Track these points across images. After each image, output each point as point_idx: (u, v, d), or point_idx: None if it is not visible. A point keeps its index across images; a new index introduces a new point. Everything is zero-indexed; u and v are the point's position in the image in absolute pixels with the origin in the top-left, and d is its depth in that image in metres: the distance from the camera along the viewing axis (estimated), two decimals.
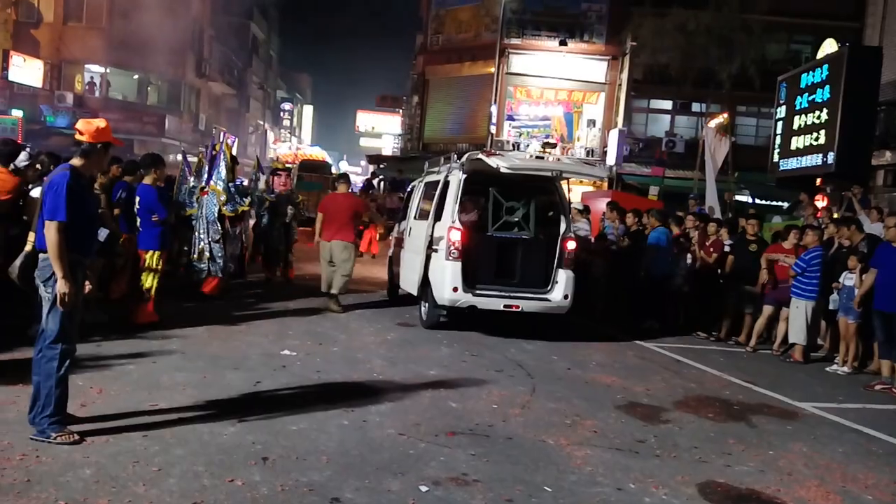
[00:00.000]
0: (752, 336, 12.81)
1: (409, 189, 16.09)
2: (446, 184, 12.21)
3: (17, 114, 35.49)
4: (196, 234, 12.51)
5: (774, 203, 26.94)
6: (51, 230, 5.55)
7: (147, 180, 10.51)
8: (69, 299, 5.55)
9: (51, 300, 5.64)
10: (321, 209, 13.55)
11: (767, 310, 12.66)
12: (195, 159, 13.38)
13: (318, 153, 47.76)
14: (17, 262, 5.95)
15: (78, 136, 5.99)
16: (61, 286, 5.53)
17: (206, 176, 12.75)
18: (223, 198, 12.64)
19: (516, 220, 12.05)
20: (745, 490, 5.91)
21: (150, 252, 10.24)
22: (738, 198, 24.82)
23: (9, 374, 7.15)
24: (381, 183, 40.42)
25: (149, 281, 10.20)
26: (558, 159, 15.40)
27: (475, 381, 8.71)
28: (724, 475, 6.17)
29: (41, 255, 5.75)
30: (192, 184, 12.75)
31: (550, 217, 12.37)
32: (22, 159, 9.56)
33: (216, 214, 12.55)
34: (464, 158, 12.12)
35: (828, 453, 7.09)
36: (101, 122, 6.06)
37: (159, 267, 10.31)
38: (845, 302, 11.36)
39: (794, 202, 20.61)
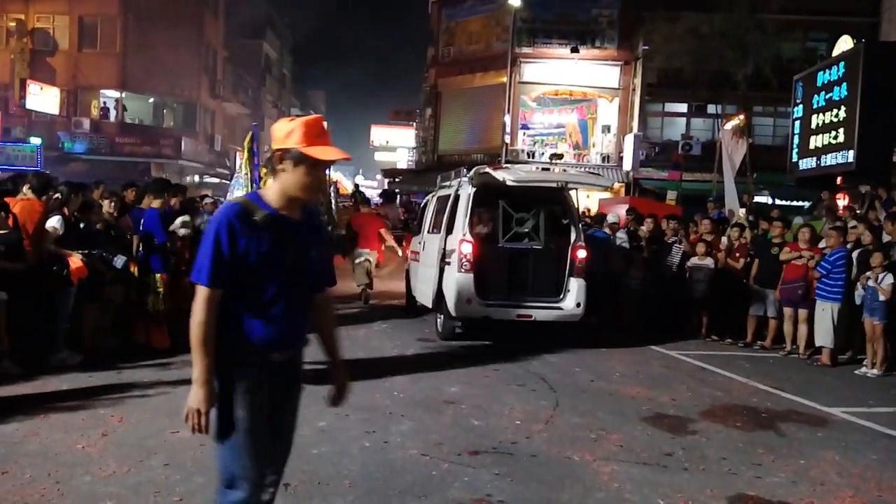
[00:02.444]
0: (777, 339, 12.70)
1: (423, 203, 16.25)
2: (457, 198, 12.37)
3: (36, 141, 35.79)
4: None
5: (795, 203, 26.73)
6: (195, 299, 3.53)
7: (155, 204, 10.58)
8: (198, 421, 3.48)
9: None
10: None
11: (788, 312, 12.52)
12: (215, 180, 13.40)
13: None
14: None
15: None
16: (192, 398, 3.48)
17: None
18: None
19: (526, 230, 12.13)
20: (777, 503, 5.78)
21: (152, 275, 10.24)
22: (757, 199, 24.65)
23: (31, 406, 7.14)
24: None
25: (151, 304, 10.21)
26: (564, 170, 15.49)
27: (497, 397, 8.61)
28: (754, 487, 6.04)
29: None
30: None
31: (560, 226, 12.37)
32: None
33: None
34: (472, 172, 12.20)
35: (861, 461, 6.93)
36: (308, 119, 3.66)
37: (161, 289, 10.25)
38: (870, 302, 11.21)
39: (815, 202, 20.44)
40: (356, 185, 30.92)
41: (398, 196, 36.59)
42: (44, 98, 39.26)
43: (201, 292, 3.49)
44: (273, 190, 3.64)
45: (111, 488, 5.33)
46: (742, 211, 18.05)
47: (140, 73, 41.49)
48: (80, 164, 37.25)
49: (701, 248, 13.73)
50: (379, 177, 68.12)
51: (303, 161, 3.55)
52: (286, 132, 3.56)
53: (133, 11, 41.32)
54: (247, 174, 10.00)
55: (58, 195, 9.82)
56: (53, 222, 9.02)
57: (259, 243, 3.52)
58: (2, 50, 40.43)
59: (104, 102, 42.83)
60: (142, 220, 10.48)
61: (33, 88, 38.36)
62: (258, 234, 3.52)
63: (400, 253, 16.72)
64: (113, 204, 10.31)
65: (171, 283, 10.39)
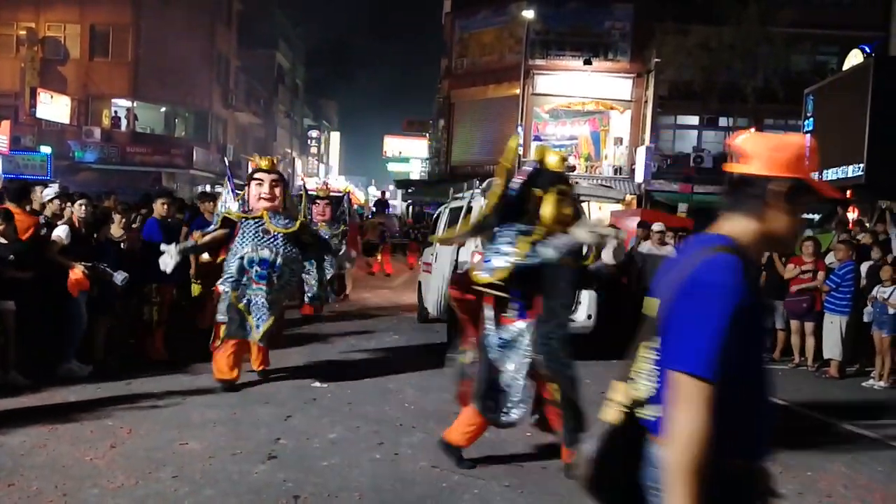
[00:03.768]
0: (785, 351, 12.76)
1: (435, 214, 16.29)
2: (469, 209, 12.38)
3: (46, 150, 35.82)
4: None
5: (805, 216, 26.62)
6: (686, 396, 2.35)
7: (155, 214, 10.67)
8: None
9: None
10: None
11: (795, 325, 12.57)
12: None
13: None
14: None
15: (738, 167, 2.71)
16: None
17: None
18: None
19: None
20: None
21: (151, 285, 10.15)
22: None
23: (38, 417, 7.17)
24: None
25: (151, 314, 10.19)
26: (577, 182, 15.47)
27: None
28: None
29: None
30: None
31: None
32: (48, 194, 9.89)
33: None
34: (485, 184, 12.20)
35: (867, 472, 6.97)
36: (794, 139, 2.77)
37: (158, 299, 10.20)
38: (879, 315, 11.21)
39: (825, 215, 20.41)
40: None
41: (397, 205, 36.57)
42: (54, 107, 39.31)
43: (694, 389, 2.33)
44: (752, 232, 2.58)
45: (119, 501, 5.35)
46: None
47: (152, 82, 41.51)
48: (90, 174, 37.30)
49: None
50: (391, 187, 68.15)
51: (805, 198, 2.62)
52: (796, 154, 2.61)
53: (145, 20, 41.40)
54: (497, 192, 6.61)
55: (68, 204, 9.90)
56: (59, 232, 9.03)
57: (757, 312, 2.50)
58: (12, 58, 40.31)
59: (115, 111, 42.87)
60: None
61: (44, 97, 38.38)
62: (755, 299, 2.47)
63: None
64: (124, 222, 10.30)
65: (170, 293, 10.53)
